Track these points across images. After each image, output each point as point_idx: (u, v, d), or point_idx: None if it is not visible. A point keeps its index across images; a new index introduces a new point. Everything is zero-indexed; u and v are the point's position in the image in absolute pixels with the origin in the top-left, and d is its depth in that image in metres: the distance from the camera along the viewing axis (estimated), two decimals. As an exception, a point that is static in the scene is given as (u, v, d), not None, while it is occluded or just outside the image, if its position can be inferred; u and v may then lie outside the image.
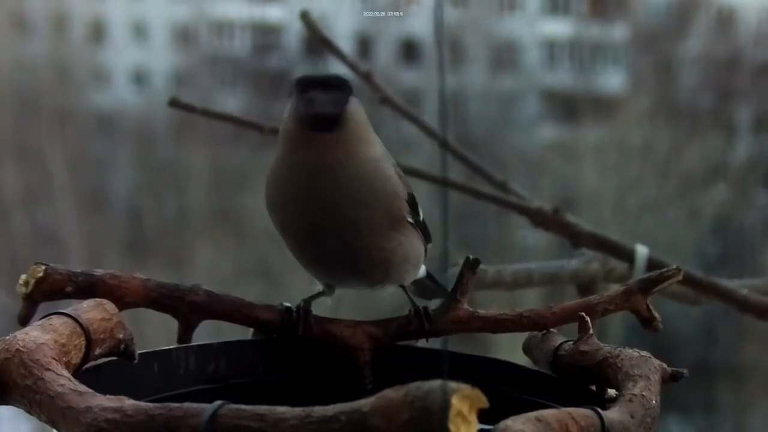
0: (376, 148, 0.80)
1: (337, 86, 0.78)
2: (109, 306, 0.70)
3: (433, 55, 4.69)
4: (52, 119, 5.71)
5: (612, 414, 0.63)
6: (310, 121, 0.76)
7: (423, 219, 0.85)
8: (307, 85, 0.77)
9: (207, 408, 0.54)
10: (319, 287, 0.87)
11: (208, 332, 0.82)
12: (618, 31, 6.58)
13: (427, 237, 0.87)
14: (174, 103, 1.27)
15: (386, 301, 0.93)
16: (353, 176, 0.78)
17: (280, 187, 0.81)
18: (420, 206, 0.85)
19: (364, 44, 6.49)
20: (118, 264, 4.72)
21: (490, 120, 6.20)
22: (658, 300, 0.83)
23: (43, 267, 0.73)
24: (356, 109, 0.79)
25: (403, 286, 0.87)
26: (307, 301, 0.82)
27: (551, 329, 0.80)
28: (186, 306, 0.77)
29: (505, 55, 6.60)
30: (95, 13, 6.54)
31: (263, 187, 0.82)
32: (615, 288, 0.82)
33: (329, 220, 0.79)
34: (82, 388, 0.59)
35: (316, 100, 0.76)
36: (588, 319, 0.76)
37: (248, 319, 0.79)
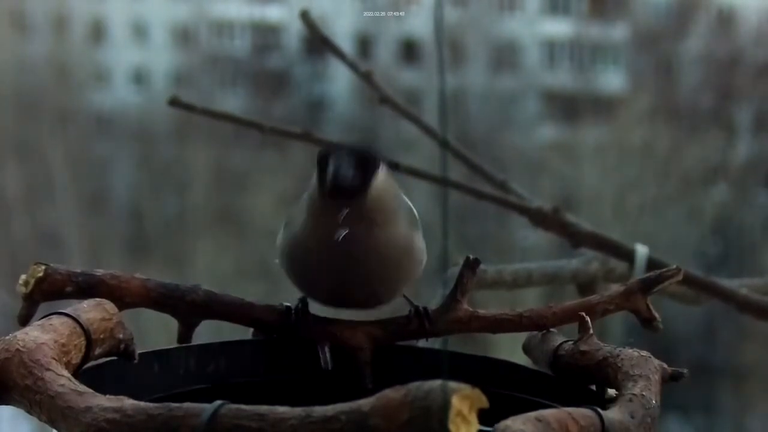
0: (399, 218, 0.80)
1: (364, 158, 0.77)
2: (109, 306, 0.70)
3: (433, 55, 4.69)
4: (53, 119, 5.72)
5: (612, 414, 0.63)
6: (332, 192, 0.75)
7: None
8: (335, 156, 0.76)
9: (207, 408, 0.54)
10: None
11: (208, 332, 0.81)
12: (618, 31, 6.59)
13: None
14: (174, 102, 1.27)
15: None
16: (374, 250, 0.78)
17: (299, 255, 0.81)
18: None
19: (364, 44, 6.50)
20: (118, 264, 4.73)
21: (490, 120, 6.21)
22: (658, 300, 0.83)
23: (43, 267, 0.73)
24: (382, 179, 0.78)
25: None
26: (304, 301, 0.82)
27: (551, 329, 0.80)
28: (186, 306, 0.77)
29: (505, 55, 6.61)
30: (95, 13, 6.55)
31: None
32: (615, 288, 0.82)
33: (349, 293, 0.80)
34: (82, 388, 0.59)
35: (340, 172, 0.75)
36: (588, 319, 0.76)
37: (248, 319, 0.79)
